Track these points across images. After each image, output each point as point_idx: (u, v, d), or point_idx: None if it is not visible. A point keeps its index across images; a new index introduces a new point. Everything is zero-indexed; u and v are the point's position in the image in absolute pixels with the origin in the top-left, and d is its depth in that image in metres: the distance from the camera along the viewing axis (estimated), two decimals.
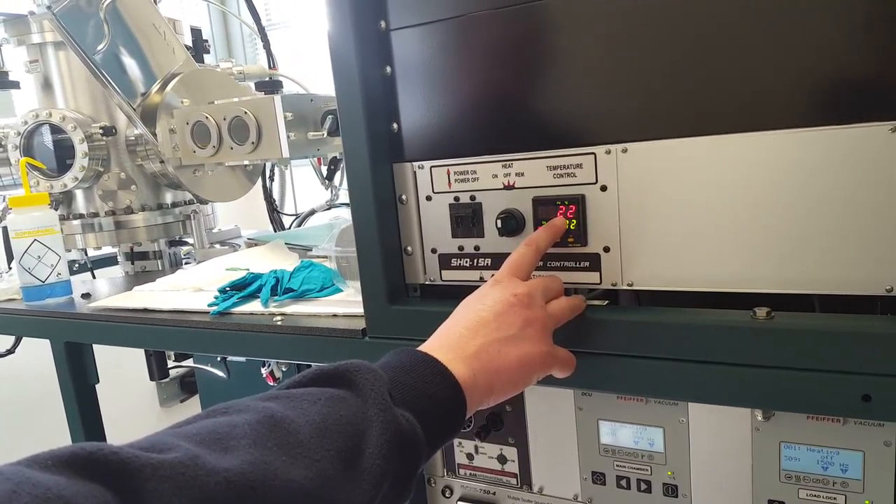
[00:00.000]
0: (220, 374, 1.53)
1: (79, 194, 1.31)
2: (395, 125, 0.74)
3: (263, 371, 1.40)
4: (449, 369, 0.54)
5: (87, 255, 1.46)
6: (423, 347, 0.57)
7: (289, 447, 0.43)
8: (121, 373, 1.62)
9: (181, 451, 0.39)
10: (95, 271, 1.51)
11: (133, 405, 2.32)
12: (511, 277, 0.62)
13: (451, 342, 0.57)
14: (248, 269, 1.08)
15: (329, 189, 1.47)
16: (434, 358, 0.54)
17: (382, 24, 0.71)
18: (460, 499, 0.86)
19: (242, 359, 1.48)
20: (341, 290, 0.95)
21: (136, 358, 1.49)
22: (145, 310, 1.01)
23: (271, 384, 1.39)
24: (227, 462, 0.40)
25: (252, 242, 1.39)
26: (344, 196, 1.47)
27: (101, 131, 1.25)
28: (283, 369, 1.31)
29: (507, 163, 0.69)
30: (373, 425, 0.47)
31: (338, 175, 1.45)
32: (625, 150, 0.63)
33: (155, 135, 1.21)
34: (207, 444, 0.41)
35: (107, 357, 1.23)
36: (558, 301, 0.64)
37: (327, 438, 0.45)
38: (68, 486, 0.34)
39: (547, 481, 0.80)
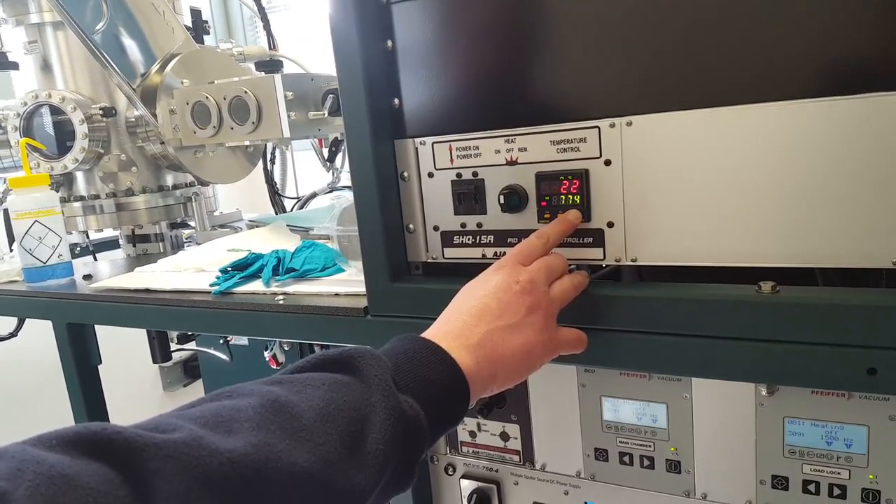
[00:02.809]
0: (224, 357, 1.54)
1: (79, 176, 1.31)
2: (396, 101, 0.73)
3: (266, 354, 1.41)
4: (453, 357, 0.54)
5: (88, 237, 1.46)
6: (427, 334, 0.57)
7: (292, 431, 0.43)
8: (124, 358, 1.63)
9: (185, 431, 0.39)
10: (97, 254, 1.51)
11: (136, 390, 2.33)
12: (514, 263, 0.61)
13: (454, 330, 0.57)
14: (249, 250, 1.07)
15: (330, 171, 1.47)
16: (438, 345, 0.54)
17: None
18: (463, 476, 0.86)
19: (245, 342, 1.48)
20: (343, 270, 0.95)
21: (138, 343, 1.49)
22: (147, 290, 1.01)
23: (274, 368, 1.40)
24: (231, 444, 0.40)
25: (254, 225, 1.39)
26: (345, 179, 1.47)
27: (101, 112, 1.24)
28: (286, 349, 1.31)
29: (510, 138, 0.68)
30: (376, 411, 0.48)
31: (339, 157, 1.44)
32: (629, 124, 0.62)
33: (155, 116, 1.20)
34: (211, 426, 0.41)
35: (109, 343, 1.23)
36: (561, 282, 0.63)
37: (330, 423, 0.45)
38: (72, 465, 0.34)
39: (549, 458, 0.80)
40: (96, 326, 1.16)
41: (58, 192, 1.27)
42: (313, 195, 1.58)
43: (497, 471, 0.84)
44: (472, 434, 0.85)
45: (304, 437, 0.44)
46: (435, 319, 0.60)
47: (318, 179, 1.58)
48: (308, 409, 0.45)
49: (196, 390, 2.50)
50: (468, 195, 0.72)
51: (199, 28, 1.45)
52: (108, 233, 1.46)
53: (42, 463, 0.33)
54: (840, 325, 0.55)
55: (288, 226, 1.28)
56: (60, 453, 0.35)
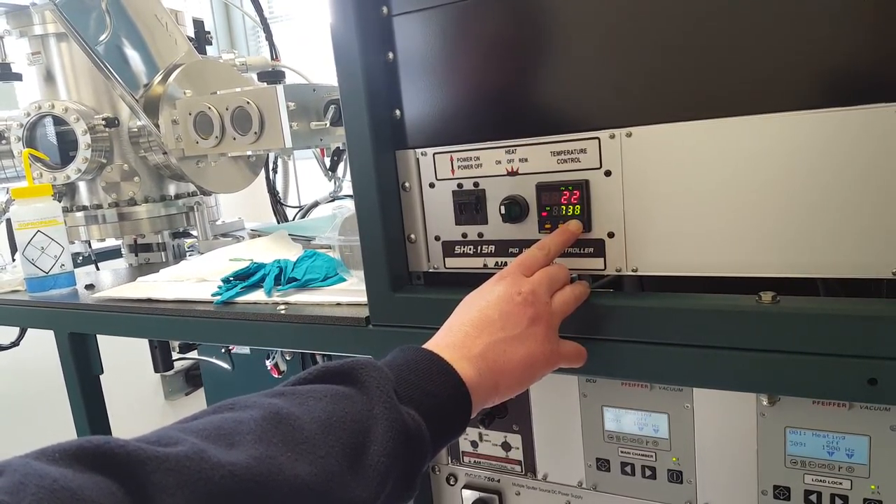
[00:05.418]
0: (225, 366, 1.54)
1: (82, 186, 1.31)
2: (397, 112, 0.73)
3: (268, 363, 1.41)
4: (455, 369, 0.54)
5: (90, 247, 1.47)
6: (429, 345, 0.57)
7: (294, 443, 0.44)
8: (126, 367, 1.63)
9: (187, 445, 0.39)
10: (99, 263, 1.51)
11: (138, 399, 2.34)
12: (516, 274, 0.61)
13: (456, 341, 0.57)
14: (251, 259, 1.08)
15: (332, 180, 1.47)
16: (440, 357, 0.54)
17: (384, 9, 0.70)
18: (465, 486, 0.86)
19: (247, 351, 1.48)
20: (345, 280, 0.95)
21: (140, 352, 1.49)
22: (149, 300, 1.01)
23: (276, 377, 1.40)
24: (233, 457, 0.40)
25: (255, 234, 1.39)
26: (347, 187, 1.48)
27: (103, 123, 1.25)
28: (288, 358, 1.31)
29: (511, 148, 0.68)
30: (378, 423, 0.48)
31: (341, 166, 1.45)
32: (629, 135, 0.62)
33: (158, 126, 1.21)
34: (213, 439, 0.41)
35: (111, 351, 1.24)
36: (563, 292, 0.63)
37: (332, 435, 0.45)
38: (75, 478, 0.34)
39: (551, 468, 0.80)
40: (98, 336, 1.16)
41: (60, 201, 1.28)
42: (315, 204, 1.59)
43: (499, 481, 0.84)
44: (474, 444, 0.85)
45: (306, 450, 0.44)
46: (436, 329, 0.60)
47: (319, 188, 1.59)
48: (310, 422, 0.45)
49: (198, 399, 2.50)
50: (469, 205, 0.72)
51: (201, 39, 1.46)
52: (111, 242, 1.47)
53: (45, 477, 0.33)
54: (840, 335, 0.56)
55: (290, 235, 1.29)
56: (63, 467, 0.35)
